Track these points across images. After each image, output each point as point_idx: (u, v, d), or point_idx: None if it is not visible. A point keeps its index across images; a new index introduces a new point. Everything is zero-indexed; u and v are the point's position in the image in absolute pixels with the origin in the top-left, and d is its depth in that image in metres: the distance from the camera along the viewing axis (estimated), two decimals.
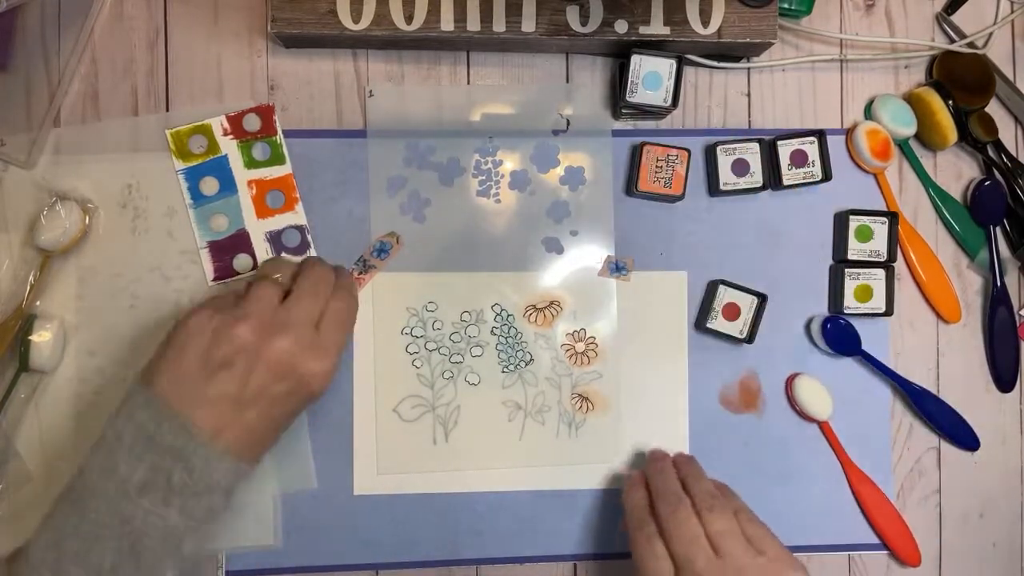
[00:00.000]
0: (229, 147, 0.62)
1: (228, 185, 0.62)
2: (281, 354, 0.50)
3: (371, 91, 0.63)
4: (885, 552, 0.65)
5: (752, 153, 0.63)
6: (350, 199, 0.63)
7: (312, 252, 0.62)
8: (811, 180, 0.63)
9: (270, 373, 0.50)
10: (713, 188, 0.64)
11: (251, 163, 0.62)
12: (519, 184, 0.64)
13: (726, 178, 0.63)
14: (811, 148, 0.63)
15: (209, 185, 0.62)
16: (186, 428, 0.48)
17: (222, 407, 0.49)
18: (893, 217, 0.64)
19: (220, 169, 0.62)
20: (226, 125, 0.62)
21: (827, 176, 0.63)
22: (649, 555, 0.52)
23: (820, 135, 0.63)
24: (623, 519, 0.58)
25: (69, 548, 0.46)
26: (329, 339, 0.52)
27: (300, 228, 0.62)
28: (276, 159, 0.62)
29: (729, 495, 0.57)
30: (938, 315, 0.66)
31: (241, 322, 0.50)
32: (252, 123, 0.62)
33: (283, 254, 0.62)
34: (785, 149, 0.63)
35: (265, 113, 0.62)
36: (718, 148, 0.63)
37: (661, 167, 0.62)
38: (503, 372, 0.63)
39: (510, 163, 0.64)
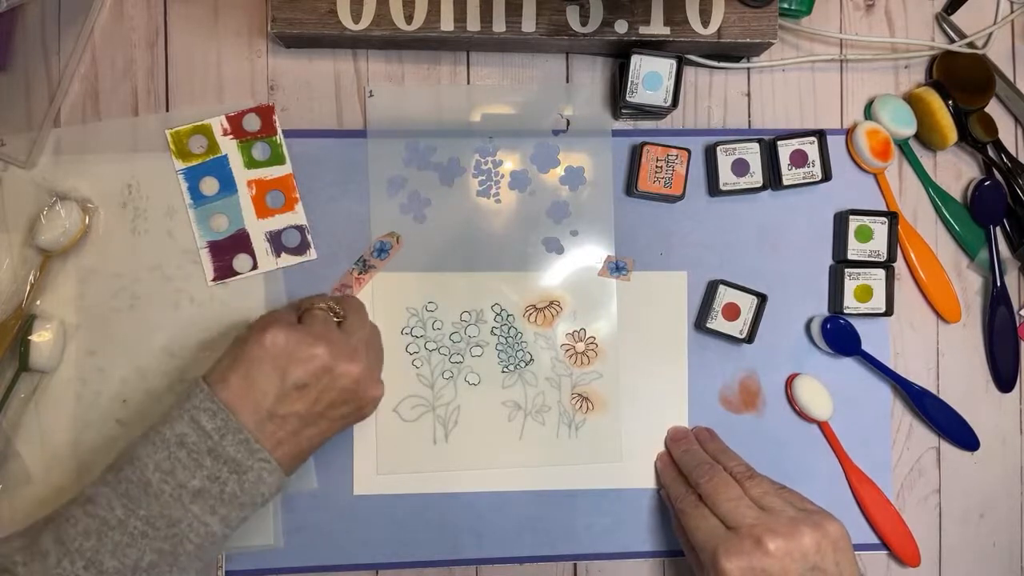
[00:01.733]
0: (229, 147, 0.62)
1: (228, 185, 0.62)
2: (351, 379, 0.52)
3: (371, 91, 0.63)
4: (885, 552, 0.65)
5: (752, 153, 0.63)
6: (350, 199, 0.63)
7: (312, 252, 0.62)
8: (811, 180, 0.63)
9: (338, 396, 0.52)
10: (713, 188, 0.64)
11: (251, 163, 0.62)
12: (519, 184, 0.64)
13: (726, 178, 0.63)
14: (811, 148, 0.63)
15: (209, 185, 0.62)
16: (248, 443, 0.49)
17: (289, 424, 0.50)
18: (893, 217, 0.64)
19: (220, 169, 0.62)
20: (226, 125, 0.62)
21: (827, 176, 0.63)
22: (699, 518, 0.54)
23: (820, 135, 0.63)
24: (664, 492, 0.61)
25: (110, 540, 0.46)
26: (376, 365, 0.56)
27: (300, 228, 0.62)
28: (276, 159, 0.62)
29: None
30: (938, 315, 0.66)
31: (318, 345, 0.51)
32: (252, 123, 0.62)
33: (282, 253, 0.62)
34: (785, 149, 0.63)
35: (265, 113, 0.62)
36: (718, 148, 0.63)
37: (661, 167, 0.62)
38: (503, 372, 0.63)
39: (510, 163, 0.64)
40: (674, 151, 0.62)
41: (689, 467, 0.59)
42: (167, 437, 0.48)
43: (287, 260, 0.62)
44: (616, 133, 0.64)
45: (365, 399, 0.54)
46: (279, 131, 0.62)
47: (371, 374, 0.54)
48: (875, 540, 0.65)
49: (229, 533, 0.50)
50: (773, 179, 0.63)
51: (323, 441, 0.54)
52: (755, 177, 0.63)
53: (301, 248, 0.62)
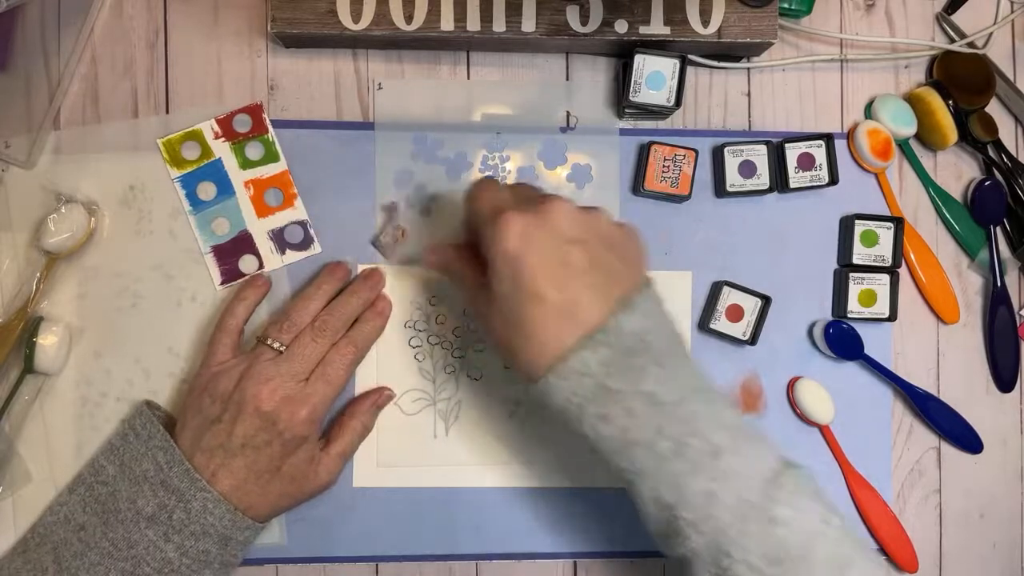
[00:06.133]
0: (222, 150, 0.62)
1: (225, 188, 0.62)
2: (256, 405, 0.54)
3: (380, 84, 0.63)
4: (883, 558, 0.65)
5: (759, 155, 0.63)
6: (355, 192, 0.62)
7: (316, 246, 0.62)
8: (818, 184, 0.63)
9: (251, 425, 0.54)
10: (719, 189, 0.64)
11: (246, 163, 0.62)
12: (525, 180, 0.64)
13: (732, 179, 0.63)
14: (818, 152, 0.63)
15: (206, 190, 0.62)
16: (190, 473, 0.53)
17: (217, 457, 0.54)
18: (899, 222, 0.63)
19: (216, 173, 0.62)
20: (217, 128, 0.62)
21: (834, 180, 0.63)
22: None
23: (828, 139, 0.63)
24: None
25: (87, 559, 0.53)
26: (314, 390, 0.55)
27: (302, 223, 0.62)
28: (270, 157, 0.62)
29: None
30: (936, 316, 0.66)
31: (229, 375, 0.55)
32: (243, 123, 0.62)
33: (286, 251, 0.62)
34: (792, 152, 0.63)
35: (255, 112, 0.62)
36: (725, 149, 0.63)
37: (668, 167, 0.62)
38: (505, 368, 0.63)
39: (517, 160, 0.64)
40: (681, 151, 0.62)
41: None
42: (135, 472, 0.55)
43: (292, 256, 0.62)
44: (623, 132, 0.64)
45: (289, 428, 0.54)
46: (270, 129, 0.62)
47: (290, 398, 0.54)
48: (873, 545, 0.65)
49: (191, 563, 0.53)
50: (780, 182, 0.63)
51: (267, 474, 0.54)
52: (762, 179, 0.63)
53: (304, 243, 0.62)
